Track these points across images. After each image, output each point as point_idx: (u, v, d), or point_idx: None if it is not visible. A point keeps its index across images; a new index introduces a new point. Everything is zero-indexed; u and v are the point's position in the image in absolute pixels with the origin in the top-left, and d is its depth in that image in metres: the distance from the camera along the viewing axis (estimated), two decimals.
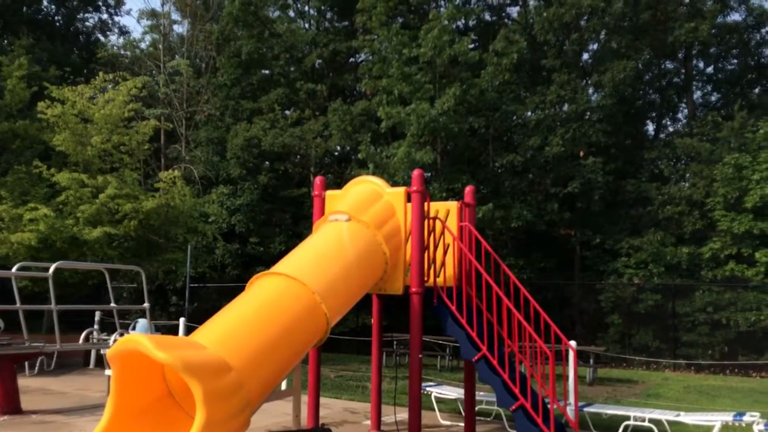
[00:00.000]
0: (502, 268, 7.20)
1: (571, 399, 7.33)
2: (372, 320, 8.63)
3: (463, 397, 8.21)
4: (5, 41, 27.09)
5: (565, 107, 22.59)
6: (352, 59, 29.27)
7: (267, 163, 25.35)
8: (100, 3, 33.36)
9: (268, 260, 21.17)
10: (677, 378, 16.42)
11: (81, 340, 13.67)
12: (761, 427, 7.28)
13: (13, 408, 8.80)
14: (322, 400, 7.98)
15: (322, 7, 28.36)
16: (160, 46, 29.85)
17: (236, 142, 24.32)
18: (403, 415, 7.39)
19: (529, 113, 22.82)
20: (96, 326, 14.68)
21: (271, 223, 24.95)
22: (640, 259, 20.39)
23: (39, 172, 16.32)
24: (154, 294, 22.55)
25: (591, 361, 14.74)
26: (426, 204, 7.18)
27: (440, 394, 9.20)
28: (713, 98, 27.10)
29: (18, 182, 16.70)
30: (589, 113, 22.32)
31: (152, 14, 31.46)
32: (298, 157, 26.72)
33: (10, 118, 19.18)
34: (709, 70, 26.75)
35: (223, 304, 5.50)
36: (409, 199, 7.15)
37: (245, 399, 4.66)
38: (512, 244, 22.70)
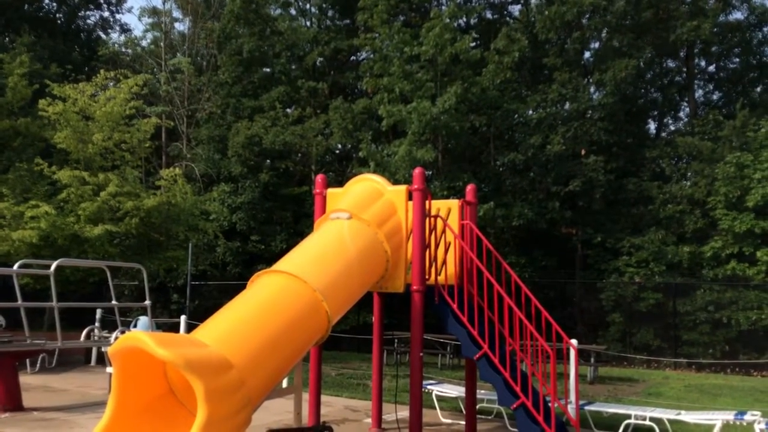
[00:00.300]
0: (503, 266, 7.20)
1: (572, 397, 7.33)
2: (373, 318, 8.64)
3: (464, 395, 8.21)
4: (7, 39, 27.11)
5: (567, 106, 22.58)
6: (353, 57, 29.28)
7: (268, 161, 25.36)
8: (102, 1, 33.38)
9: (269, 258, 21.18)
10: (678, 377, 16.41)
11: (82, 338, 13.69)
12: (762, 426, 7.28)
13: (15, 405, 8.81)
14: (323, 398, 7.98)
15: (324, 5, 28.37)
16: (162, 43, 29.87)
17: (237, 140, 24.33)
18: (404, 413, 7.40)
19: (531, 111, 22.81)
20: (97, 324, 14.70)
21: (272, 221, 24.96)
22: (642, 258, 20.39)
23: (40, 170, 16.32)
24: (155, 292, 22.55)
25: (592, 359, 14.74)
26: (427, 202, 7.18)
27: (441, 392, 9.20)
28: (715, 97, 27.10)
29: (19, 180, 16.71)
30: (590, 112, 22.31)
31: (153, 12, 31.50)
32: (299, 155, 26.72)
33: (12, 115, 19.19)
34: (711, 68, 26.75)
35: (224, 302, 5.50)
36: (410, 197, 7.14)
37: (246, 396, 4.66)
38: (513, 243, 22.69)
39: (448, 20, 20.37)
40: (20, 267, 10.77)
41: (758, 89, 24.94)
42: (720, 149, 20.40)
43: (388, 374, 10.22)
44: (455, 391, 9.14)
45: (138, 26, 68.34)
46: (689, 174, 22.21)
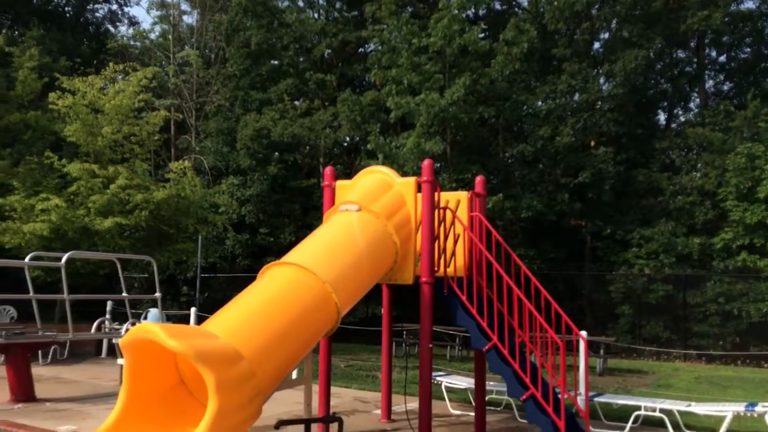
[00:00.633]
0: (512, 258, 7.19)
1: (582, 389, 7.32)
2: (382, 310, 8.65)
3: (473, 386, 8.22)
4: (16, 32, 27.19)
5: (576, 97, 22.46)
6: (361, 49, 29.21)
7: (276, 153, 25.38)
8: None
9: (278, 250, 21.23)
10: (688, 368, 16.37)
11: (93, 330, 13.78)
12: None
13: (28, 396, 8.89)
14: (333, 389, 8.01)
15: None
16: (170, 36, 29.87)
17: (246, 132, 24.35)
18: (413, 404, 7.42)
19: (540, 103, 22.70)
20: (108, 316, 14.80)
21: (280, 214, 25.00)
22: (651, 250, 20.31)
23: (50, 163, 16.41)
24: (165, 284, 22.66)
25: (601, 351, 14.72)
26: (436, 194, 7.17)
27: (450, 383, 9.22)
28: (726, 87, 26.86)
29: (30, 173, 16.80)
30: (600, 103, 22.19)
31: (162, 5, 31.45)
32: (308, 147, 26.73)
33: (22, 108, 19.29)
34: (722, 58, 26.51)
35: (233, 294, 5.51)
36: (419, 189, 7.13)
37: (257, 387, 4.69)
38: (522, 235, 22.64)
39: (456, 11, 20.28)
40: (31, 259, 10.82)
41: None
42: (731, 140, 20.26)
43: (397, 366, 10.25)
44: (464, 382, 9.15)
45: (146, 19, 68.41)
46: (699, 165, 22.08)
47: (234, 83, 27.61)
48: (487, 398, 8.11)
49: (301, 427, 5.98)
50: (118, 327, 13.51)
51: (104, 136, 16.61)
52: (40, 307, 10.17)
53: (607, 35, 24.41)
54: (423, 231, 6.97)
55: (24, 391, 8.92)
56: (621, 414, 8.35)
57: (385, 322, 8.52)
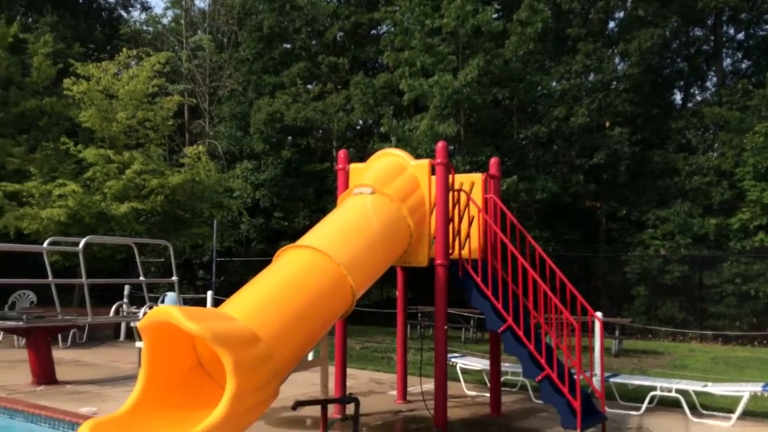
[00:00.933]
0: (527, 239, 7.17)
1: (597, 370, 7.33)
2: (397, 293, 8.67)
3: (488, 368, 8.25)
4: (30, 19, 27.28)
5: (591, 77, 22.26)
6: (373, 31, 29.05)
7: (290, 137, 25.40)
8: None
9: (292, 234, 21.31)
10: (704, 349, 16.32)
11: (111, 313, 13.95)
12: None
13: (49, 378, 9.04)
14: (349, 371, 8.07)
15: None
16: (182, 21, 29.83)
17: (259, 116, 24.37)
18: (428, 385, 7.47)
19: (554, 83, 22.51)
20: (125, 300, 14.96)
21: (294, 198, 25.06)
22: (667, 231, 20.19)
23: (66, 149, 16.52)
24: (182, 268, 22.84)
25: (617, 332, 14.69)
26: (450, 176, 7.16)
27: (465, 365, 9.25)
28: (743, 65, 26.47)
29: (46, 159, 16.95)
30: (615, 83, 21.97)
31: None
32: (321, 131, 26.71)
33: (37, 95, 19.41)
34: (740, 36, 26.09)
35: (249, 278, 5.55)
36: (433, 171, 7.12)
37: (274, 369, 4.73)
38: (537, 217, 22.57)
39: None
40: (49, 244, 10.94)
41: None
42: (749, 119, 20.01)
43: (412, 348, 10.29)
44: (479, 364, 9.18)
45: (158, 4, 68.30)
46: (716, 145, 21.85)
47: (247, 67, 27.60)
48: (502, 379, 8.14)
49: (318, 407, 6.04)
50: (136, 310, 13.66)
51: (119, 122, 16.69)
52: (58, 292, 10.30)
53: (622, 14, 24.11)
54: (437, 213, 6.97)
55: (45, 374, 9.06)
56: (636, 394, 8.36)
57: (400, 305, 8.55)
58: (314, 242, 5.90)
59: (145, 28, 31.28)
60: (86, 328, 14.23)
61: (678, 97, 26.89)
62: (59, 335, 13.36)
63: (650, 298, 20.22)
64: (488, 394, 8.04)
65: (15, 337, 13.09)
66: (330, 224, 6.41)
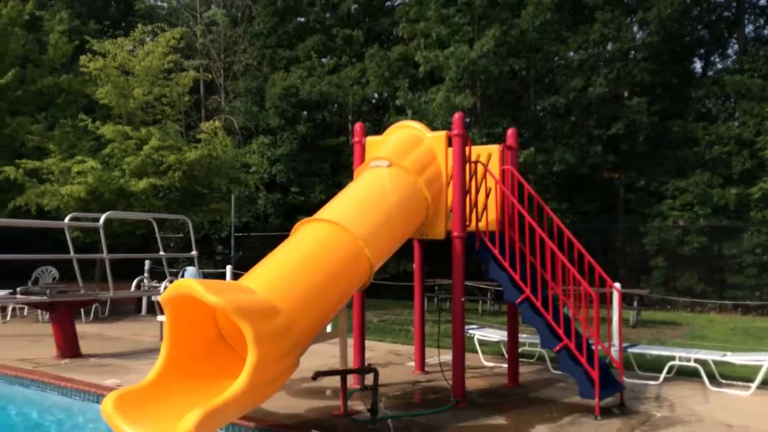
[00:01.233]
0: (545, 211, 7.15)
1: (616, 340, 7.34)
2: (414, 266, 8.70)
3: (506, 339, 8.28)
4: None
5: (609, 46, 21.93)
6: (388, 3, 28.77)
7: (305, 112, 25.37)
8: None
9: (309, 209, 21.39)
10: (723, 320, 16.25)
11: (132, 288, 14.14)
12: None
13: (74, 352, 9.21)
14: (367, 343, 8.14)
15: None
16: None
17: (274, 91, 24.34)
18: (446, 357, 7.52)
19: (572, 53, 22.22)
20: (146, 274, 15.15)
21: (311, 173, 25.11)
22: (686, 201, 20.02)
23: (84, 126, 16.64)
24: (200, 243, 23.05)
25: (635, 303, 14.66)
26: (467, 148, 7.12)
27: (483, 336, 9.29)
28: (766, 32, 25.90)
29: (65, 136, 17.07)
30: (633, 52, 21.64)
31: None
32: (336, 105, 26.63)
33: (54, 72, 19.50)
34: (762, 1, 25.46)
35: (267, 253, 5.59)
36: (450, 143, 7.09)
37: (294, 340, 4.80)
38: (554, 189, 22.43)
39: None
40: (70, 220, 11.07)
41: None
42: None
43: (429, 320, 10.35)
44: (497, 335, 9.22)
45: None
46: (737, 114, 21.51)
47: (261, 41, 27.50)
48: (520, 350, 8.17)
49: (338, 378, 6.11)
50: (157, 285, 13.84)
51: (135, 98, 16.77)
52: (80, 267, 10.44)
53: None
54: (454, 185, 6.95)
55: (70, 348, 9.23)
56: (655, 365, 8.36)
57: (417, 277, 8.58)
58: (331, 215, 5.92)
59: (159, 3, 31.22)
60: (108, 303, 14.46)
61: (698, 65, 26.42)
62: (82, 310, 13.59)
63: (669, 270, 20.11)
64: (506, 365, 8.08)
65: (39, 311, 13.34)
66: (347, 197, 6.43)
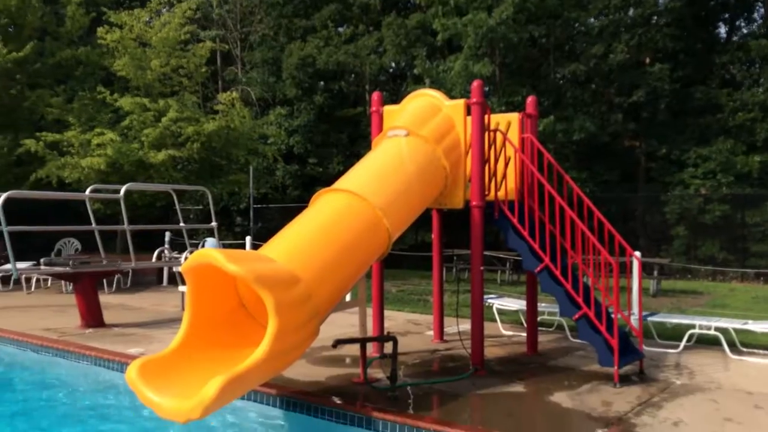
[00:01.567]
0: (564, 180, 7.08)
1: (635, 308, 7.31)
2: (432, 236, 8.69)
3: (524, 308, 8.29)
4: None
5: (631, 12, 21.50)
6: None
7: (322, 82, 25.25)
8: None
9: (326, 180, 21.40)
10: (745, 289, 16.12)
11: (153, 259, 14.31)
12: None
13: (97, 322, 9.37)
14: (386, 312, 8.18)
15: None
16: None
17: (291, 61, 24.22)
18: (465, 326, 7.54)
19: (592, 20, 21.82)
20: (167, 245, 15.30)
21: (328, 144, 25.08)
22: (708, 169, 19.76)
23: (103, 98, 16.70)
24: (219, 215, 23.22)
25: (655, 272, 14.57)
26: (486, 116, 7.05)
27: (502, 305, 9.31)
28: None
29: (84, 108, 17.15)
30: (656, 17, 21.19)
31: None
32: (353, 75, 26.46)
33: (72, 45, 19.53)
34: None
35: (285, 224, 5.62)
36: (468, 111, 7.02)
37: (314, 309, 4.83)
38: (574, 158, 22.22)
39: None
40: (91, 192, 11.18)
41: None
42: None
43: (448, 290, 10.38)
44: (516, 304, 9.22)
45: None
46: (762, 79, 21.08)
47: (277, 11, 27.29)
48: (538, 319, 8.17)
49: (357, 346, 6.17)
50: (178, 256, 13.98)
51: (153, 70, 16.78)
52: (101, 239, 10.56)
53: None
54: (473, 154, 6.90)
55: (93, 317, 9.39)
56: (675, 333, 8.34)
57: (435, 247, 8.58)
58: (350, 185, 5.92)
59: None
60: (130, 274, 14.65)
61: (722, 30, 25.83)
62: (105, 281, 13.79)
63: (690, 239, 19.94)
64: (525, 334, 8.09)
65: (63, 282, 13.56)
66: (365, 167, 6.41)
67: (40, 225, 10.76)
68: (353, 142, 24.93)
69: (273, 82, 25.78)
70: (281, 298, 4.39)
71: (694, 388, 6.13)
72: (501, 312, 9.44)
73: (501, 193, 7.17)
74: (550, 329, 9.22)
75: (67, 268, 9.42)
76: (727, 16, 25.20)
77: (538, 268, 6.71)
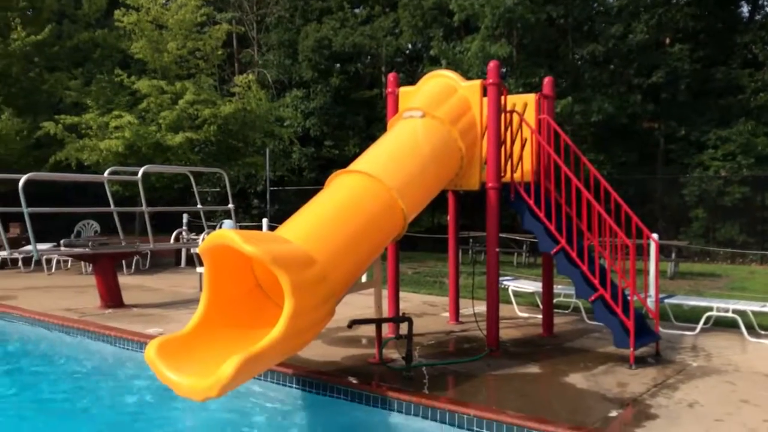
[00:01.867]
0: (581, 161, 7.03)
1: (652, 290, 7.27)
2: (448, 218, 8.68)
3: (540, 290, 8.28)
4: None
5: None
6: None
7: (338, 64, 25.18)
8: None
9: (342, 163, 21.33)
10: (765, 271, 15.97)
11: (172, 241, 14.44)
12: None
13: (117, 302, 9.49)
14: (402, 294, 8.21)
15: None
16: None
17: (307, 43, 24.16)
18: (480, 308, 7.55)
19: None
20: (184, 227, 15.43)
21: (344, 126, 25.05)
22: (728, 151, 19.52)
23: (120, 81, 16.79)
24: (236, 197, 23.34)
25: (673, 255, 14.47)
26: (503, 97, 7.01)
27: (518, 287, 9.29)
28: None
29: (102, 91, 17.26)
30: None
31: None
32: (369, 57, 26.35)
33: (90, 27, 19.62)
34: None
35: (302, 207, 5.64)
36: (485, 92, 6.98)
37: (330, 290, 4.86)
38: (592, 139, 22.04)
39: None
40: (109, 174, 11.28)
41: None
42: None
43: (464, 272, 10.38)
44: (532, 286, 9.21)
45: None
46: None
47: None
48: (555, 301, 8.16)
49: (373, 327, 6.20)
50: (195, 237, 14.09)
51: (170, 52, 16.82)
52: (120, 221, 10.67)
53: None
54: (489, 135, 6.87)
55: (113, 298, 9.51)
56: (692, 315, 8.29)
57: (451, 229, 8.58)
58: (365, 167, 5.92)
59: None
60: (149, 256, 14.80)
61: (745, 9, 25.34)
62: (124, 262, 13.95)
63: (709, 221, 19.76)
64: (540, 316, 8.09)
65: (82, 263, 13.73)
66: (380, 149, 6.41)
67: (60, 207, 10.88)
68: (369, 124, 24.89)
69: (289, 64, 25.75)
70: (297, 279, 4.42)
71: (710, 370, 6.11)
72: (517, 294, 9.44)
73: (517, 175, 7.14)
74: (566, 311, 9.21)
75: (87, 250, 9.54)
76: None
77: (554, 250, 6.69)
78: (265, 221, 13.32)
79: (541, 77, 17.70)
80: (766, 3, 25.30)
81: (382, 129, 7.20)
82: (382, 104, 22.70)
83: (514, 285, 9.35)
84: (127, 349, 7.29)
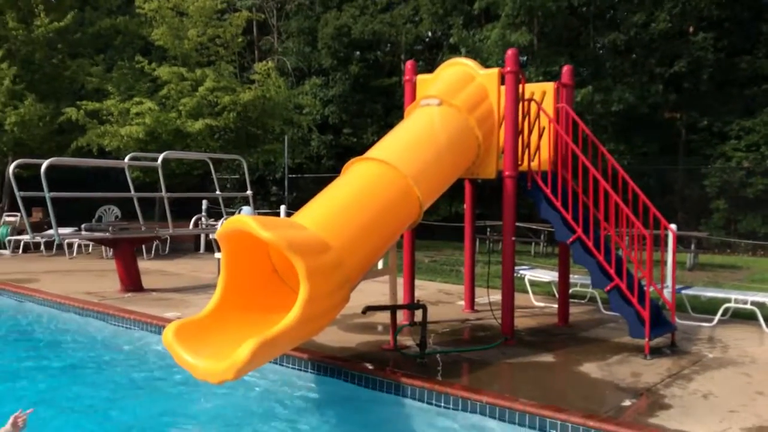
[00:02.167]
0: (600, 151, 7.00)
1: (669, 281, 7.24)
2: (465, 206, 8.68)
3: (556, 279, 8.26)
4: None
5: None
6: None
7: (357, 52, 25.14)
8: None
9: (361, 150, 21.25)
10: None
11: (191, 226, 14.58)
12: None
13: (136, 286, 9.63)
14: (417, 282, 8.24)
15: None
16: None
17: (327, 31, 24.15)
18: (496, 296, 7.56)
19: None
20: (203, 213, 15.56)
21: (363, 114, 25.04)
22: (752, 141, 19.25)
23: (141, 67, 16.90)
24: (255, 184, 23.46)
25: (692, 246, 14.34)
26: (521, 85, 6.98)
27: (534, 277, 9.29)
28: None
29: (123, 78, 17.39)
30: None
31: None
32: (388, 45, 26.28)
33: (111, 14, 19.75)
34: None
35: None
36: (503, 80, 6.95)
37: (345, 276, 4.91)
38: (612, 129, 21.82)
39: None
40: (130, 160, 11.40)
41: None
42: None
43: (480, 261, 10.38)
44: (548, 276, 9.20)
45: None
46: None
47: None
48: (570, 291, 8.15)
49: (388, 314, 6.24)
50: (214, 223, 14.21)
51: (190, 39, 16.90)
52: (140, 206, 10.80)
53: None
54: (506, 124, 6.86)
55: (132, 282, 9.65)
56: (709, 307, 8.24)
57: (468, 217, 8.57)
58: (381, 154, 5.94)
59: None
60: (168, 241, 14.96)
61: None
62: (144, 247, 14.12)
63: (730, 212, 19.54)
64: (556, 305, 8.09)
65: (103, 248, 13.92)
66: (397, 136, 6.43)
67: (81, 192, 11.02)
68: (388, 112, 24.86)
69: (308, 51, 25.77)
70: (312, 265, 4.46)
71: (726, 361, 6.08)
72: (533, 283, 9.43)
73: (534, 164, 7.12)
74: (583, 301, 9.19)
75: (107, 234, 9.67)
76: None
77: (571, 239, 6.68)
78: (283, 208, 13.39)
79: (561, 66, 17.53)
80: None
81: (401, 117, 7.20)
82: (400, 92, 22.61)
83: (530, 274, 9.35)
84: (146, 332, 7.40)
